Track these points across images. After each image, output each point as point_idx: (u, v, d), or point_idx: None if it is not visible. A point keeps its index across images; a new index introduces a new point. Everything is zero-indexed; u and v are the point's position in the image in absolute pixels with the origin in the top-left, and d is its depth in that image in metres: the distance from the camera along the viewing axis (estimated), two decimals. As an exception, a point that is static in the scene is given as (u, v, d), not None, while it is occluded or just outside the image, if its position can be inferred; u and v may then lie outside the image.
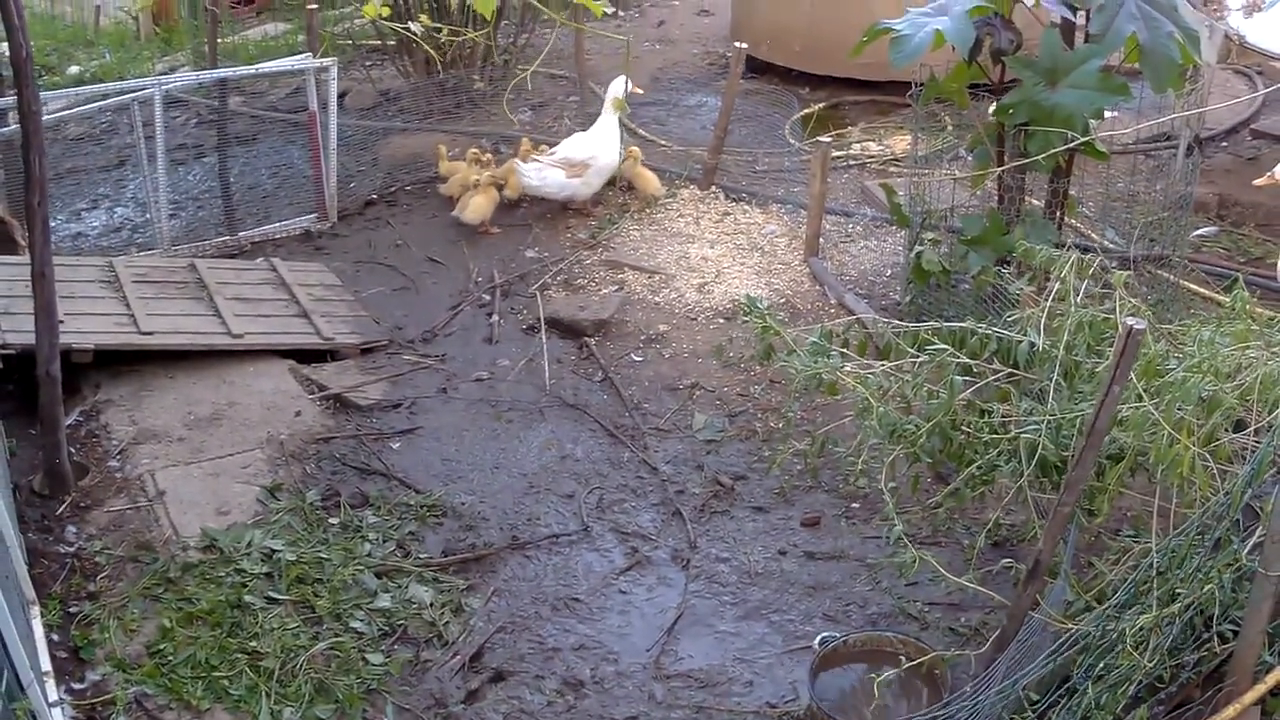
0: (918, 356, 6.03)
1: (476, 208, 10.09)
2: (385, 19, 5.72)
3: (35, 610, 5.78)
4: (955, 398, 5.77)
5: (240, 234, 10.41)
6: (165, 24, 17.11)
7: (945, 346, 5.89)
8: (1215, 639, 5.12)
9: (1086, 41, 7.60)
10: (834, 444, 6.61)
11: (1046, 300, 6.04)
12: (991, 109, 7.84)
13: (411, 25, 6.45)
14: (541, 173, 10.05)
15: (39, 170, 6.62)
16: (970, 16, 7.41)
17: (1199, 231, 9.58)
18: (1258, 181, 8.51)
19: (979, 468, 5.79)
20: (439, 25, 10.32)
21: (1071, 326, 5.91)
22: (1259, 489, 5.08)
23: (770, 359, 6.61)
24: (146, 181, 10.09)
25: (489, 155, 10.59)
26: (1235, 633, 5.04)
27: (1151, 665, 4.92)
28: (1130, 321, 4.87)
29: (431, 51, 10.10)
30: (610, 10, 5.28)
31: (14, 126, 10.14)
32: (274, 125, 12.77)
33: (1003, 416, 5.85)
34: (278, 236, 10.45)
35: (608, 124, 10.33)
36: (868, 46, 7.90)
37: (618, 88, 10.34)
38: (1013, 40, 7.56)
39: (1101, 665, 5.00)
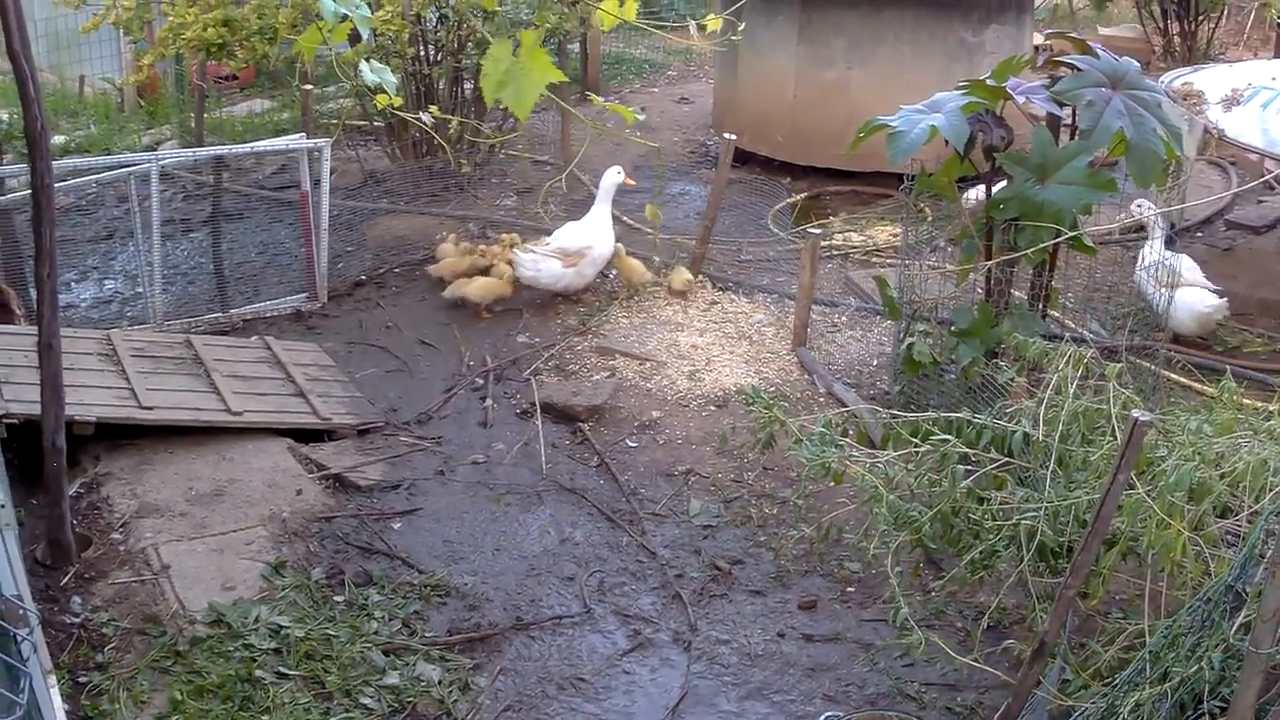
0: (919, 446, 6.19)
1: (482, 286, 10.27)
2: (397, 109, 5.86)
3: (52, 679, 5.83)
4: (957, 486, 5.93)
5: (231, 311, 10.48)
6: (150, 97, 17.20)
7: (949, 437, 6.06)
8: (1207, 716, 5.26)
9: (1072, 137, 7.81)
10: (837, 530, 6.78)
11: (1045, 391, 6.22)
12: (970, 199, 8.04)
13: (423, 115, 6.59)
14: (538, 263, 10.20)
15: (49, 242, 6.62)
16: (964, 113, 7.62)
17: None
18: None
19: (980, 553, 5.94)
20: (448, 117, 10.50)
21: (1066, 417, 6.09)
22: (1248, 573, 5.24)
23: (772, 447, 6.78)
24: (140, 256, 10.16)
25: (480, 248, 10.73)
26: (1223, 709, 5.17)
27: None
28: (1136, 414, 5.04)
29: (444, 143, 10.30)
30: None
31: (10, 196, 10.26)
32: (261, 203, 12.87)
33: (1001, 504, 6.01)
34: (269, 315, 10.53)
35: (601, 214, 10.49)
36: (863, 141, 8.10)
37: (611, 178, 10.51)
38: (1004, 136, 7.78)
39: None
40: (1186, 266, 9.25)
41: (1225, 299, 9.39)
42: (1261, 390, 8.73)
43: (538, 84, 4.06)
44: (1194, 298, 9.27)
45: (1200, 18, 19.78)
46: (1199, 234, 11.96)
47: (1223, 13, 20.58)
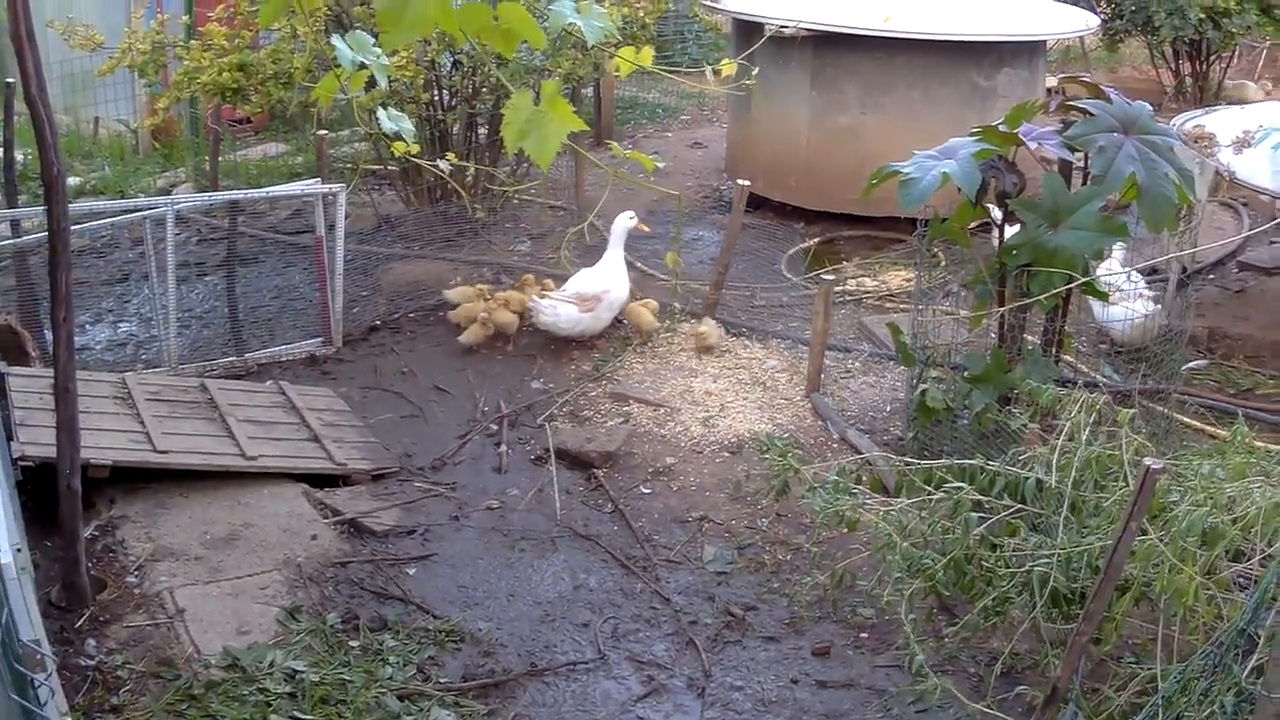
0: (933, 493, 6.22)
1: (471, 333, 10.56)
2: (414, 156, 5.89)
3: (67, 724, 5.84)
4: (971, 533, 5.95)
5: (246, 355, 10.50)
6: (165, 140, 17.25)
7: (962, 484, 6.08)
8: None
9: (1084, 182, 7.84)
10: (851, 577, 6.79)
11: (1058, 438, 6.24)
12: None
13: (440, 163, 6.64)
14: (555, 309, 10.26)
15: (65, 287, 6.62)
16: (976, 160, 7.66)
17: (1190, 364, 9.80)
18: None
19: (993, 599, 5.96)
20: (465, 164, 10.57)
21: (1079, 463, 6.11)
22: (1260, 617, 5.26)
23: (786, 494, 6.80)
24: (155, 300, 10.17)
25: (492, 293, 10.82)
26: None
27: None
28: (1148, 461, 5.06)
29: (459, 188, 10.36)
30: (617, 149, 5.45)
31: (26, 238, 10.30)
32: (275, 247, 12.91)
33: (1014, 550, 6.03)
34: (283, 359, 10.54)
35: (615, 258, 10.56)
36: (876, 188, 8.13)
37: (623, 222, 10.58)
38: (1016, 183, 7.81)
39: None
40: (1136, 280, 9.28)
41: (1159, 306, 9.40)
42: (1274, 433, 8.77)
43: (559, 133, 4.07)
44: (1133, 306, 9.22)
45: (1212, 58, 19.85)
46: (1211, 276, 11.97)
47: (1234, 53, 20.64)
